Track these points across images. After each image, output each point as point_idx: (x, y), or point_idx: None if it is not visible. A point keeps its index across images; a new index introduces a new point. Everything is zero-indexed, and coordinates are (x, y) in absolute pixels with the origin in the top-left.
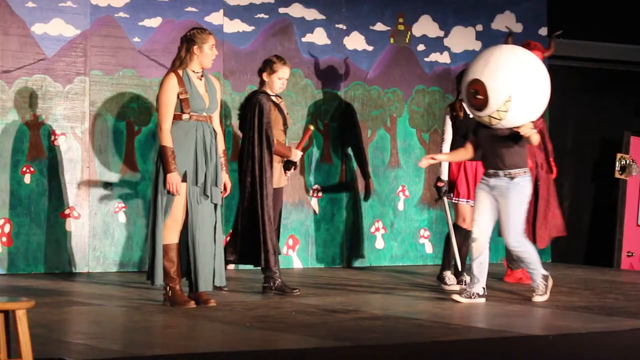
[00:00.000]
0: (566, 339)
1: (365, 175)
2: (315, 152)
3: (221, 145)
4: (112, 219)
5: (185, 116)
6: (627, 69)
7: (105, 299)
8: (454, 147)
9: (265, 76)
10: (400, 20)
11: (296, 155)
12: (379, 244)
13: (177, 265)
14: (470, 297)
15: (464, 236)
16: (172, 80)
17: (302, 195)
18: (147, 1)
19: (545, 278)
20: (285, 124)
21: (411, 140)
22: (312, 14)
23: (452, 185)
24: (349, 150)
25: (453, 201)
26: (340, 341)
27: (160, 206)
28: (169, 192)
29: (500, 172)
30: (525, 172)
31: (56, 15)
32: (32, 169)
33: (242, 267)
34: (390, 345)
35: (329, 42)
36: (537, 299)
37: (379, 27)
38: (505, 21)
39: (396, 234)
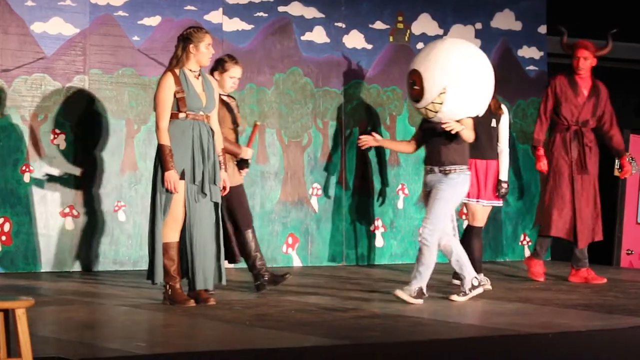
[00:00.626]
0: (566, 337)
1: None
2: (315, 151)
3: (220, 144)
4: (111, 217)
5: (182, 115)
6: (627, 67)
7: (104, 297)
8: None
9: (216, 75)
10: (400, 18)
11: (246, 153)
12: (379, 242)
13: (177, 264)
14: (473, 288)
15: (477, 235)
16: (169, 79)
17: (301, 194)
18: (146, 0)
19: (420, 291)
20: (235, 122)
21: None
22: (311, 13)
23: None
24: (349, 149)
25: (463, 201)
26: (340, 339)
27: (160, 205)
28: (167, 190)
29: (436, 168)
30: (462, 169)
31: (55, 14)
32: (31, 168)
33: (240, 265)
34: (390, 344)
35: (328, 40)
36: (400, 293)
37: (378, 25)
38: (504, 19)
39: (396, 232)
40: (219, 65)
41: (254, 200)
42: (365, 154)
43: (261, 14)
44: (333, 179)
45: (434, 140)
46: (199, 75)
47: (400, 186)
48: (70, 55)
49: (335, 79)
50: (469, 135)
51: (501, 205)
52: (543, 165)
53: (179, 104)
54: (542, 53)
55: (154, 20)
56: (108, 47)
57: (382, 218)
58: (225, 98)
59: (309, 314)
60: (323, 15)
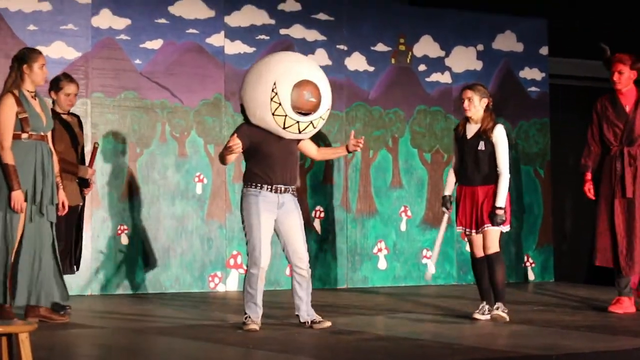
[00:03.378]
0: (569, 358)
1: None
2: (318, 173)
3: (57, 165)
4: (114, 241)
5: (24, 135)
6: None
7: (107, 321)
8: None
9: (53, 95)
10: (401, 40)
11: (85, 172)
12: (382, 264)
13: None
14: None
15: (481, 263)
16: (10, 99)
17: (304, 216)
18: (148, 23)
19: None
20: (75, 141)
21: (413, 161)
22: (312, 35)
23: (457, 208)
24: (351, 171)
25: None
26: None
27: (8, 225)
28: (11, 210)
29: (290, 188)
30: None
31: (57, 38)
32: None
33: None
34: None
35: (330, 62)
36: (322, 325)
37: (380, 47)
38: (506, 41)
39: (399, 255)
40: (54, 85)
41: None
42: (368, 176)
43: (263, 36)
44: (336, 202)
45: (289, 159)
46: (35, 95)
47: (402, 208)
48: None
49: (338, 101)
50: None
51: (505, 229)
52: (588, 190)
53: (22, 124)
54: (543, 74)
55: (156, 44)
56: (110, 71)
57: (385, 240)
58: (65, 117)
59: (313, 337)
60: (325, 38)
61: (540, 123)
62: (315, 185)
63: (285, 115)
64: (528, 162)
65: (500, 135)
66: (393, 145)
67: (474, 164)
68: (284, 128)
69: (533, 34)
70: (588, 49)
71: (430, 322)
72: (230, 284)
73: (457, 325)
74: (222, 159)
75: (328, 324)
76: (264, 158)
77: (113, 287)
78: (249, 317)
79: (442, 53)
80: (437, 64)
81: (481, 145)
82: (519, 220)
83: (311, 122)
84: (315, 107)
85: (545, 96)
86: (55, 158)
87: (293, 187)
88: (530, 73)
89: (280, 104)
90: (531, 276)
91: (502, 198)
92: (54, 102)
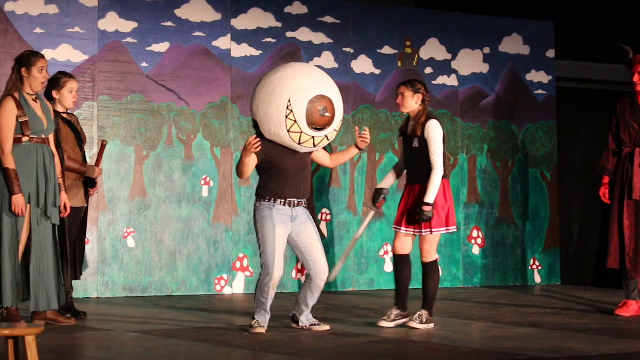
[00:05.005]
0: None
1: None
2: (324, 176)
3: (58, 167)
4: (120, 244)
5: (25, 139)
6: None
7: (114, 324)
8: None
9: (55, 94)
10: (408, 43)
11: (93, 172)
12: (388, 267)
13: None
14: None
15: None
16: (10, 103)
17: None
18: (154, 26)
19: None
20: (79, 139)
21: None
22: (319, 38)
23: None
24: (357, 174)
25: (415, 232)
26: None
27: (7, 229)
28: (14, 214)
29: (303, 201)
30: None
31: (64, 41)
32: None
33: (250, 290)
34: None
35: (336, 65)
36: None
37: (387, 50)
38: (512, 44)
39: None
40: (54, 84)
41: None
42: (374, 179)
43: (269, 39)
44: (342, 204)
45: (302, 172)
46: (37, 98)
47: None
48: (79, 82)
49: (344, 104)
50: None
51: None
52: (603, 195)
53: (22, 127)
54: (550, 77)
55: (162, 47)
56: (117, 74)
57: (392, 243)
58: (66, 116)
59: (320, 340)
60: (331, 41)
61: (547, 126)
62: (322, 188)
63: (301, 132)
64: (535, 165)
65: (431, 131)
66: (399, 148)
67: (410, 162)
68: (299, 144)
69: (540, 37)
70: (595, 52)
71: (437, 324)
72: (237, 286)
73: (464, 328)
74: (241, 165)
75: (327, 327)
76: (278, 172)
77: (119, 290)
78: (257, 321)
79: (449, 56)
80: (444, 67)
81: (415, 143)
82: (525, 223)
83: (326, 136)
84: (330, 122)
85: (552, 99)
86: (57, 160)
87: (304, 200)
88: (537, 76)
89: (295, 121)
90: (538, 279)
91: (432, 194)
92: (54, 102)
